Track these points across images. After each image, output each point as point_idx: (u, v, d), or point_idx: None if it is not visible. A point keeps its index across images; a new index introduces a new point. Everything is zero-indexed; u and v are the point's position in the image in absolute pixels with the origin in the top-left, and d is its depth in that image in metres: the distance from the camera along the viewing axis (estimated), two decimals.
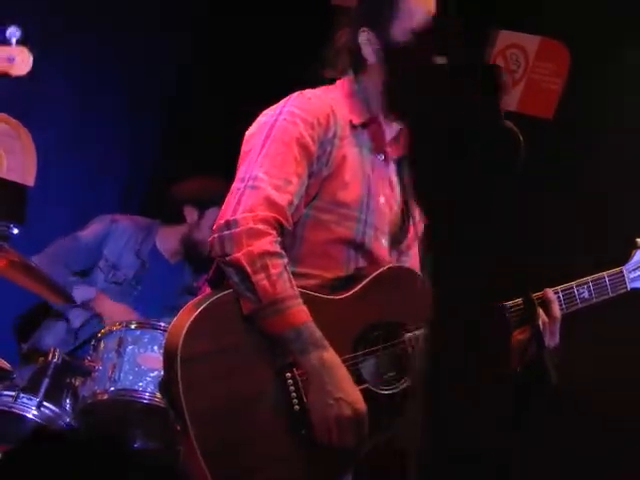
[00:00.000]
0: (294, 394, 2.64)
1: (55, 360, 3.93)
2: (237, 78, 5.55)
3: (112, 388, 3.90)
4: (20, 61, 2.86)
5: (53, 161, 4.89)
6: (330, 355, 2.63)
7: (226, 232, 2.64)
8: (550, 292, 2.83)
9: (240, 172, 2.78)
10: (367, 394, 2.69)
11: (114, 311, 4.45)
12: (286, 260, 2.67)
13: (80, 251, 4.64)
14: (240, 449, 2.58)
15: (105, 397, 3.91)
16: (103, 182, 5.40)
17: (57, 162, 4.99)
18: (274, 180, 2.70)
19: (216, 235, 2.66)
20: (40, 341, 4.56)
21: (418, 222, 3.00)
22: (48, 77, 4.91)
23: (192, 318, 2.59)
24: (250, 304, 2.61)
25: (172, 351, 2.59)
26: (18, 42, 2.88)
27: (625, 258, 2.88)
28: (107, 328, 4.09)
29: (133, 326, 4.01)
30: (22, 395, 3.91)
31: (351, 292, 2.77)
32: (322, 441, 2.62)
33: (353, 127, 2.90)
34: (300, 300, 2.64)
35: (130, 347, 3.94)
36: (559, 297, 2.81)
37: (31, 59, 2.84)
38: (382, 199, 2.91)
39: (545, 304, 2.81)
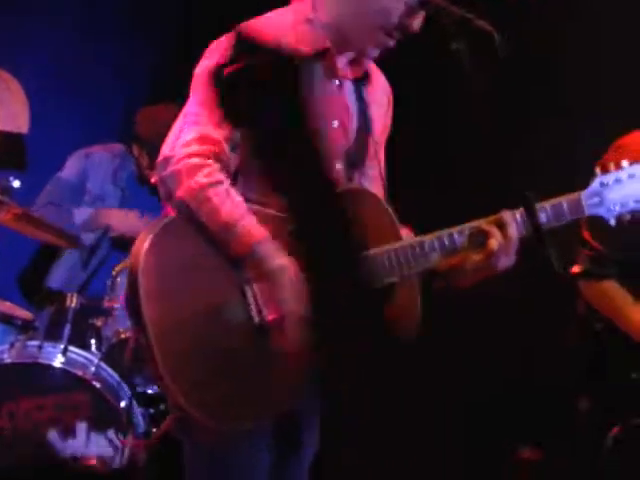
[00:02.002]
0: (253, 307, 2.64)
1: (73, 305, 3.96)
2: None
3: None
4: None
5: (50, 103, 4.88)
6: (288, 261, 2.66)
7: (165, 172, 2.65)
8: (507, 214, 2.79)
9: (185, 108, 2.76)
10: None
11: (121, 217, 4.44)
12: (227, 184, 2.67)
13: (64, 190, 4.58)
14: (200, 360, 2.59)
15: (128, 334, 3.94)
16: (102, 116, 5.33)
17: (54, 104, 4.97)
18: (213, 116, 2.70)
19: (158, 177, 2.68)
20: (49, 282, 4.58)
21: (377, 139, 2.97)
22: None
23: (151, 236, 2.62)
24: (206, 232, 2.65)
25: (134, 266, 2.61)
26: None
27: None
28: (120, 265, 4.10)
29: None
30: (46, 344, 3.96)
31: None
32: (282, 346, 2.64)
33: (300, 57, 2.77)
34: (250, 218, 2.65)
35: None
36: (517, 219, 2.78)
37: None
38: (335, 123, 2.84)
39: (502, 226, 2.78)
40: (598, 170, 2.86)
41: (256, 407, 2.64)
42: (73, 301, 3.98)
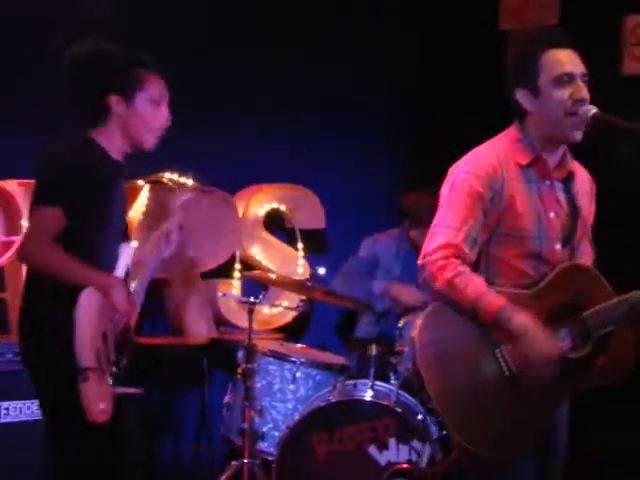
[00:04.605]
0: (503, 364, 3.49)
1: (373, 353, 5.37)
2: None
3: None
4: None
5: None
6: (527, 316, 3.45)
7: (424, 275, 3.54)
8: None
9: (435, 218, 3.63)
10: (562, 359, 3.51)
11: (405, 292, 5.79)
12: (467, 272, 3.49)
13: (362, 265, 6.11)
14: (467, 405, 3.47)
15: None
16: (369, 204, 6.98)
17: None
18: (453, 224, 3.55)
19: (422, 279, 3.57)
20: (355, 334, 6.16)
21: (585, 221, 3.72)
22: None
23: (422, 318, 3.58)
24: (460, 310, 3.52)
25: (414, 340, 3.55)
26: None
27: None
28: (404, 320, 5.43)
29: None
30: (358, 382, 5.36)
31: (535, 288, 3.57)
32: (532, 386, 3.46)
33: (520, 167, 3.60)
34: (491, 292, 3.48)
35: None
36: None
37: None
38: (552, 215, 3.62)
39: None
40: None
41: (518, 436, 3.49)
42: (373, 350, 5.37)
